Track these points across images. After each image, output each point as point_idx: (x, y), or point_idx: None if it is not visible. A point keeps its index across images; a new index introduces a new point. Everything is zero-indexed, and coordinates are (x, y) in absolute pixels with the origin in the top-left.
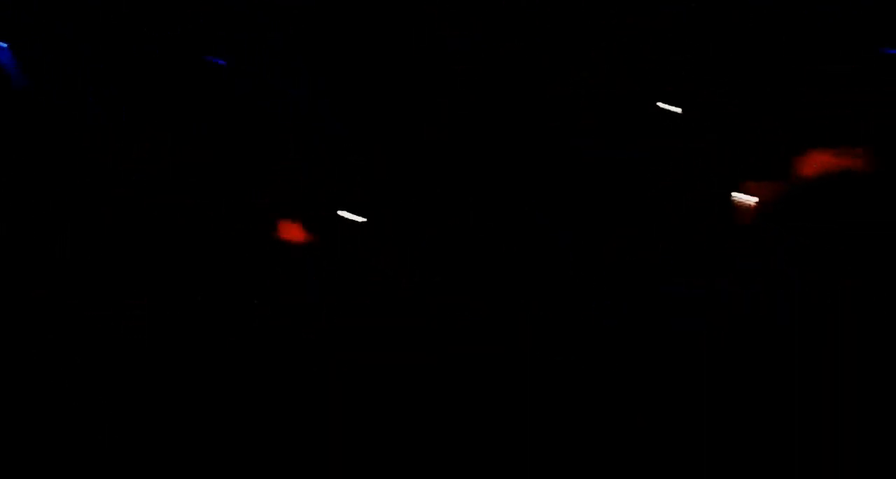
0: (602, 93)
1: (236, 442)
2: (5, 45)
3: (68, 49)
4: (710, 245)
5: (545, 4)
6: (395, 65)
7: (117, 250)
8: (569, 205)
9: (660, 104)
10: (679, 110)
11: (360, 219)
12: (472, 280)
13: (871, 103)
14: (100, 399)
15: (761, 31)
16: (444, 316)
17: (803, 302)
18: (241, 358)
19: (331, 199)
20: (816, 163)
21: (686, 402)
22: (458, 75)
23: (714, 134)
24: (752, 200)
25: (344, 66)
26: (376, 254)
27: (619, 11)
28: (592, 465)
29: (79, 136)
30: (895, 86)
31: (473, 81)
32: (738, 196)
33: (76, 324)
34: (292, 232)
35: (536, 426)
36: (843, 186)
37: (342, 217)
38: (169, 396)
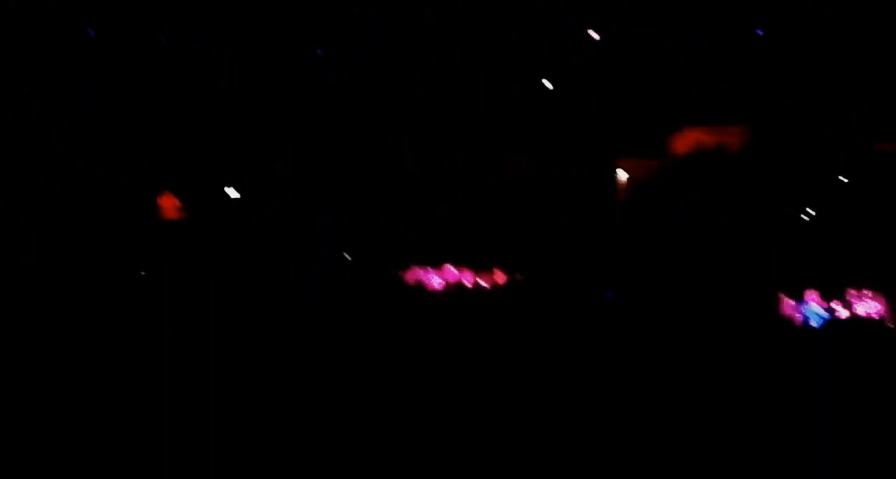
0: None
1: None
2: None
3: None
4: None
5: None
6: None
7: (119, 250)
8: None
9: (546, 83)
10: (550, 86)
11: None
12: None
13: (744, 83)
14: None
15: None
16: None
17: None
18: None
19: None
20: (690, 141)
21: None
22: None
23: (590, 113)
24: (626, 176)
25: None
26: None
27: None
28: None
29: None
30: (768, 67)
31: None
32: (618, 173)
33: (79, 323)
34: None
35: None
36: (715, 163)
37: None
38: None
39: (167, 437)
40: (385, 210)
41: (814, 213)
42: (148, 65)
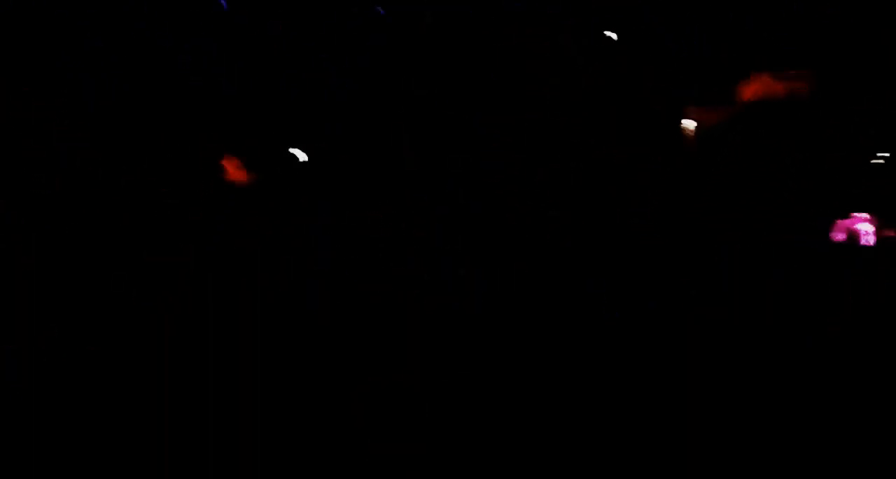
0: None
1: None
2: None
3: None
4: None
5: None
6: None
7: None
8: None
9: (610, 34)
10: (614, 36)
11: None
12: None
13: (810, 28)
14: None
15: None
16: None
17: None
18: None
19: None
20: (758, 87)
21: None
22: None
23: (659, 63)
24: (693, 125)
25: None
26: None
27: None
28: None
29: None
30: (834, 12)
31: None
32: (684, 123)
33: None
34: (234, 171)
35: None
36: (783, 110)
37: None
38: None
39: (167, 437)
40: (385, 210)
41: (888, 156)
42: (148, 65)
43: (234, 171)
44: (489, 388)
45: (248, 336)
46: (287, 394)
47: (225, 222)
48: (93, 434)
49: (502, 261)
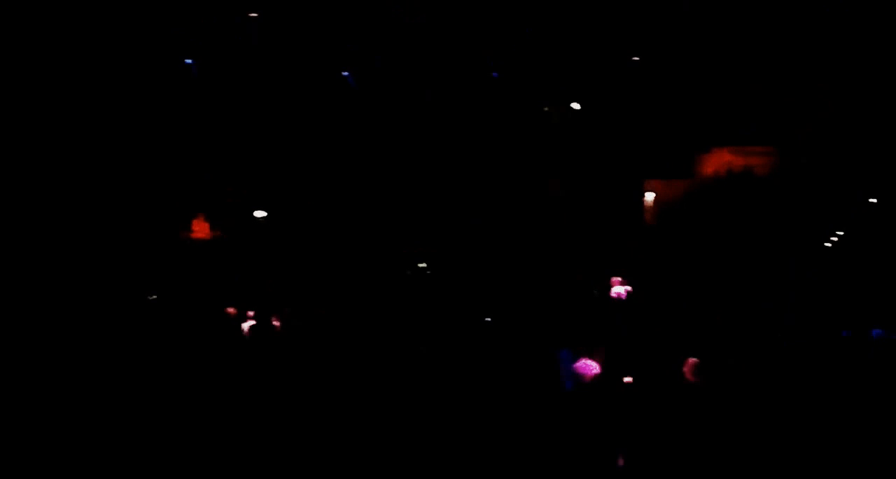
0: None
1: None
2: None
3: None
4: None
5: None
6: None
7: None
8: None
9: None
10: (578, 106)
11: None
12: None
13: (773, 104)
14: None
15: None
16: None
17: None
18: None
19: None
20: (718, 162)
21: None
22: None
23: (618, 134)
24: (652, 197)
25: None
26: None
27: None
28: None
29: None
30: (800, 87)
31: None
32: (645, 196)
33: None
34: (200, 229)
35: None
36: (743, 185)
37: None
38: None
39: (167, 437)
40: (387, 212)
41: (840, 235)
42: (148, 65)
43: (200, 229)
44: (489, 388)
45: (249, 336)
46: (287, 394)
47: (226, 223)
48: (93, 434)
49: (503, 269)
